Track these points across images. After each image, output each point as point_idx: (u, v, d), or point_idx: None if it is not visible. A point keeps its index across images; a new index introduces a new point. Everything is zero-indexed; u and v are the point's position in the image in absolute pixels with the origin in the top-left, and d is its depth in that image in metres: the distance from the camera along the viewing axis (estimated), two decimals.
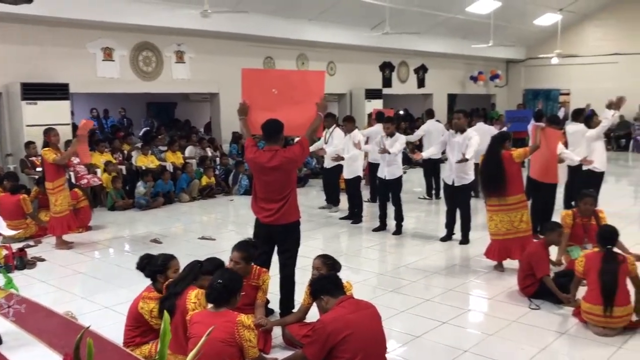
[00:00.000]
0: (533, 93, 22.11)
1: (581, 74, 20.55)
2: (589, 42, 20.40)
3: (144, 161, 11.22)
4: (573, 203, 6.67)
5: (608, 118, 8.09)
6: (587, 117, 8.88)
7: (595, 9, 19.65)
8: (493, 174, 6.23)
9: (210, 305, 3.62)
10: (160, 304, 3.94)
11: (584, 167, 8.21)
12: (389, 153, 7.90)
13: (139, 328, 4.10)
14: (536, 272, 5.35)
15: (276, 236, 4.87)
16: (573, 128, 8.86)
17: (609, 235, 4.91)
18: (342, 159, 8.99)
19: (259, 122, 4.93)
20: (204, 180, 11.39)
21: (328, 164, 9.71)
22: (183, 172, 11.24)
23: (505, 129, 11.24)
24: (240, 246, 4.52)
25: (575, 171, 8.67)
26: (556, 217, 6.61)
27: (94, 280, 6.40)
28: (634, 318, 4.73)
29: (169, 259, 4.24)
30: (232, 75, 13.33)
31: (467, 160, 7.16)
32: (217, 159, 12.56)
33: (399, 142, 8.03)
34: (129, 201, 10.30)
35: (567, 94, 21.28)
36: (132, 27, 11.28)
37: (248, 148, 4.89)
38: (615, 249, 4.90)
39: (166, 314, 2.10)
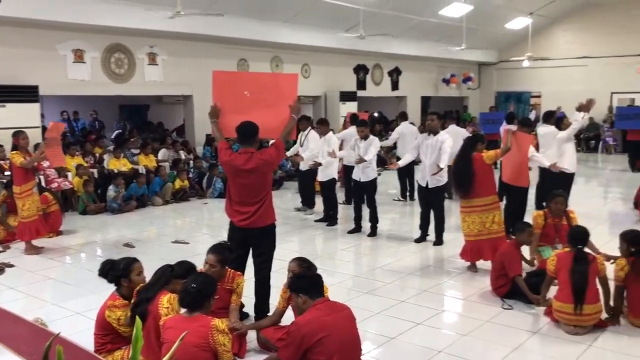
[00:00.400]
0: (505, 95, 22.44)
1: (552, 76, 20.93)
2: (559, 45, 20.78)
3: (116, 164, 11.07)
4: (544, 204, 6.77)
5: (578, 120, 8.23)
6: (558, 119, 9.03)
7: (564, 13, 20.03)
8: (461, 175, 6.30)
9: (183, 310, 3.58)
10: (131, 310, 3.89)
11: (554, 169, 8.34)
12: (365, 161, 7.93)
13: (108, 335, 4.04)
14: (508, 272, 5.42)
15: (252, 239, 4.84)
16: (544, 130, 9.00)
17: (580, 236, 5.00)
18: (320, 164, 8.98)
19: (231, 125, 4.89)
20: (178, 183, 11.28)
21: (303, 166, 9.70)
22: (156, 175, 11.12)
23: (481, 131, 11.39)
24: (216, 249, 4.49)
25: (546, 172, 8.79)
26: (528, 218, 6.70)
27: (65, 285, 6.28)
28: (604, 316, 4.82)
29: (131, 262, 4.19)
30: (205, 78, 13.17)
31: (441, 169, 7.24)
32: (191, 162, 12.45)
33: (373, 146, 8.06)
34: (101, 205, 10.15)
35: (538, 97, 21.65)
36: (103, 28, 11.12)
37: (222, 151, 4.83)
38: (586, 249, 4.99)
39: (138, 320, 2.06)
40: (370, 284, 6.15)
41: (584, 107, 8.18)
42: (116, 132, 15.45)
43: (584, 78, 20.18)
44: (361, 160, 7.92)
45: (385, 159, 14.71)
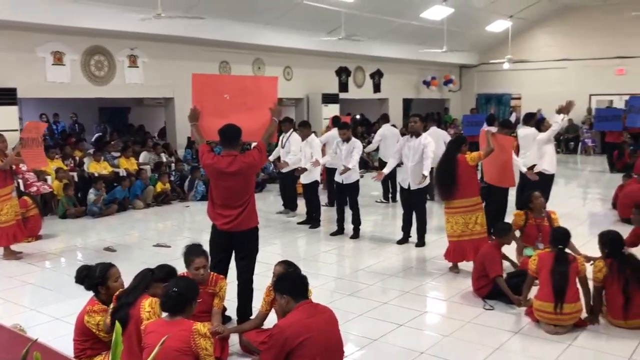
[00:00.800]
0: (485, 97, 22.64)
1: (531, 78, 21.17)
2: (538, 48, 21.03)
3: (96, 168, 10.95)
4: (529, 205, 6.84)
5: (558, 122, 8.33)
6: (538, 120, 9.13)
7: (543, 16, 20.26)
8: (445, 176, 6.35)
9: (165, 314, 3.55)
10: (112, 315, 3.84)
11: (535, 169, 8.44)
12: (350, 169, 7.97)
13: (88, 341, 3.99)
14: (489, 272, 5.47)
15: (235, 243, 4.82)
16: (524, 132, 9.10)
17: (561, 236, 5.07)
18: (305, 170, 8.96)
19: (211, 128, 4.88)
20: (159, 186, 11.19)
21: (286, 169, 9.69)
22: (137, 178, 11.02)
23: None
24: (202, 251, 4.47)
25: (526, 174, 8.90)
26: (509, 219, 6.75)
27: (44, 291, 6.20)
28: (583, 315, 4.88)
29: (107, 268, 4.13)
30: (187, 80, 13.05)
31: (426, 177, 7.31)
32: (172, 165, 12.37)
33: (356, 151, 8.08)
34: (81, 209, 10.03)
35: (518, 98, 21.86)
36: (83, 30, 11.01)
37: (204, 154, 4.79)
38: (567, 250, 5.06)
39: (118, 325, 2.04)
40: (353, 285, 6.16)
41: (563, 109, 8.28)
42: (96, 135, 15.32)
43: (563, 80, 20.44)
44: (346, 169, 7.97)
45: (367, 161, 14.77)
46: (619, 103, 19.34)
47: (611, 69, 19.54)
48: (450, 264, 6.59)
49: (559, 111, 8.36)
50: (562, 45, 20.56)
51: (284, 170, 9.62)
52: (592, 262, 5.26)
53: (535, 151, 8.50)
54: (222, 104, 5.05)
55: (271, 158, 9.96)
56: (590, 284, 4.94)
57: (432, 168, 7.42)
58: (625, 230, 5.94)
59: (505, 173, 7.04)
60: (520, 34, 20.62)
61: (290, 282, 3.75)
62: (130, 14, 10.86)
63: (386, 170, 8.05)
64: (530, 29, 20.86)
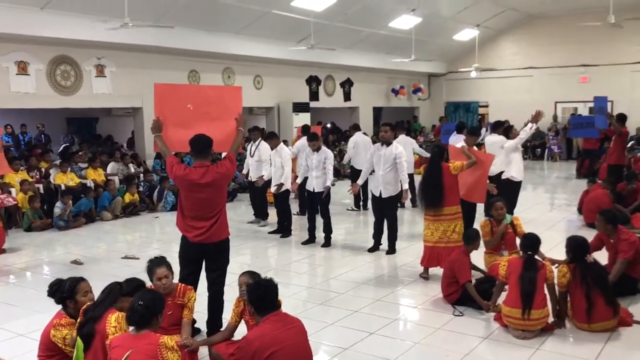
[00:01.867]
0: (454, 105, 22.95)
1: (498, 86, 21.54)
2: (505, 56, 21.41)
3: (63, 179, 10.75)
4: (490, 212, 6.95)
5: (526, 131, 8.50)
6: (506, 128, 9.30)
7: (509, 25, 20.65)
8: (434, 185, 6.41)
9: (131, 328, 3.49)
10: (78, 330, 3.76)
11: (503, 177, 8.58)
12: (330, 187, 8.17)
13: (54, 357, 3.89)
14: (459, 278, 5.52)
15: (207, 254, 4.77)
16: (492, 139, 9.24)
17: (531, 243, 5.15)
18: (282, 185, 8.93)
19: (176, 139, 4.83)
20: (127, 197, 11.03)
21: (255, 177, 9.67)
22: (105, 189, 10.85)
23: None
24: (161, 261, 4.41)
25: (493, 181, 9.02)
26: (477, 226, 6.83)
27: (8, 306, 6.03)
28: (550, 320, 4.96)
29: (76, 282, 4.06)
30: None
31: (406, 190, 7.53)
32: (141, 175, 12.21)
33: (329, 162, 8.19)
34: (47, 221, 9.82)
35: (486, 106, 22.23)
36: (48, 40, 10.83)
37: (174, 165, 4.68)
38: (536, 256, 5.14)
39: (79, 341, 2.00)
40: (325, 294, 6.15)
41: (533, 118, 8.45)
42: (63, 145, 15.04)
43: (529, 88, 20.88)
44: (327, 191, 8.13)
45: (339, 169, 14.81)
46: (583, 110, 19.84)
47: (575, 76, 20.00)
48: (421, 270, 6.63)
49: (529, 121, 8.53)
50: (528, 53, 20.98)
51: (252, 177, 9.64)
52: (556, 265, 5.34)
53: (502, 158, 8.64)
54: (186, 114, 4.97)
55: (244, 170, 9.97)
56: (556, 289, 5.02)
57: (410, 174, 7.55)
58: (590, 235, 6.06)
59: (477, 189, 7.10)
60: (487, 43, 20.98)
61: (260, 292, 3.71)
62: (97, 23, 10.73)
63: (360, 181, 8.10)
64: (497, 37, 21.25)
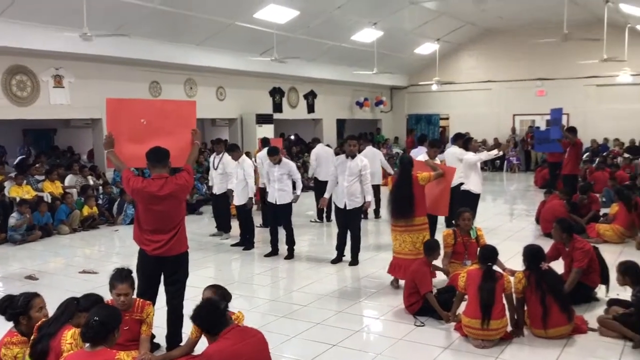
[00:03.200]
0: (416, 118, 23.27)
1: (459, 99, 21.95)
2: (464, 70, 21.85)
3: (18, 192, 10.45)
4: (454, 222, 7.06)
5: (489, 154, 8.73)
6: (465, 140, 9.48)
7: (468, 39, 21.10)
8: (406, 196, 6.46)
9: (87, 345, 3.40)
10: (31, 347, 3.65)
11: (462, 188, 8.73)
12: (299, 196, 8.45)
13: None
14: (420, 289, 5.57)
15: (166, 268, 4.70)
16: (451, 150, 9.41)
17: (489, 254, 5.24)
18: (251, 200, 8.90)
19: (129, 154, 4.78)
20: (86, 210, 10.79)
21: (217, 190, 9.59)
22: (62, 202, 10.59)
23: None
24: (126, 277, 4.31)
25: (453, 192, 9.17)
26: (439, 236, 6.91)
27: None
28: (509, 329, 5.05)
29: (30, 298, 3.94)
30: None
31: (370, 201, 7.68)
32: (100, 188, 11.97)
33: (295, 175, 8.27)
34: (1, 235, 9.52)
35: (447, 119, 22.61)
36: (3, 49, 10.53)
37: (131, 179, 4.60)
38: (495, 267, 5.23)
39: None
40: (287, 307, 6.12)
41: (501, 148, 8.72)
42: (19, 157, 14.65)
43: (488, 101, 21.35)
44: (296, 198, 8.39)
45: (303, 180, 14.80)
46: (541, 122, 20.36)
47: (532, 90, 20.56)
48: (385, 281, 6.67)
49: (499, 148, 8.82)
50: (487, 67, 21.47)
51: (214, 189, 9.64)
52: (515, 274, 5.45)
53: (461, 170, 8.81)
54: (140, 129, 4.92)
55: (210, 183, 9.92)
56: (514, 296, 5.12)
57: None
58: (547, 244, 6.21)
59: (441, 202, 7.18)
60: (447, 57, 21.39)
61: (203, 316, 3.67)
62: (55, 33, 10.52)
63: (327, 195, 8.09)
64: (457, 52, 21.68)
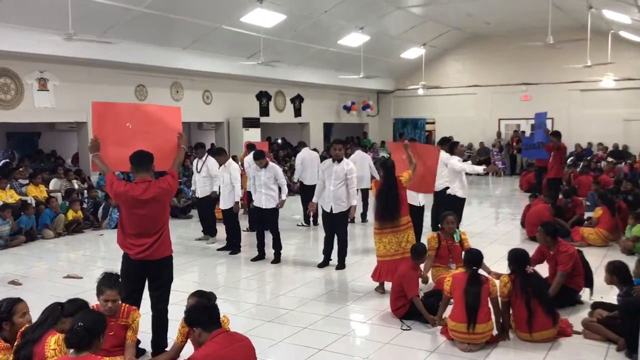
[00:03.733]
0: (402, 122, 23.37)
1: (445, 104, 22.08)
2: (450, 74, 21.99)
3: (2, 196, 10.31)
4: (439, 225, 7.10)
5: (474, 168, 8.83)
6: (451, 144, 9.55)
7: (454, 44, 21.25)
8: (392, 197, 6.49)
9: (71, 351, 3.37)
10: (15, 353, 3.61)
11: (448, 192, 8.80)
12: (284, 200, 8.30)
13: None
14: (407, 293, 5.59)
15: (149, 272, 4.67)
16: None
17: (474, 258, 5.26)
18: (238, 205, 8.88)
19: (114, 158, 4.77)
20: (70, 214, 10.69)
21: (200, 193, 9.56)
22: (47, 206, 10.48)
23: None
24: (115, 282, 4.28)
25: (439, 196, 9.25)
26: (424, 239, 6.94)
27: None
28: (495, 333, 5.08)
29: (13, 303, 3.91)
30: None
31: (354, 206, 7.66)
32: (85, 192, 11.87)
33: (281, 180, 8.25)
34: None
35: (433, 123, 22.72)
36: None
37: (115, 183, 4.59)
38: (480, 270, 5.27)
39: None
40: (274, 311, 6.11)
41: (488, 169, 8.86)
42: (3, 161, 14.48)
43: (474, 105, 21.51)
44: (282, 203, 8.29)
45: (289, 183, 14.80)
46: (526, 127, 20.58)
47: (517, 94, 20.74)
48: (372, 285, 6.67)
49: (486, 168, 9.19)
50: (472, 72, 21.63)
51: (198, 193, 9.62)
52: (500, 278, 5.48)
53: (446, 174, 8.90)
54: (125, 133, 4.93)
55: (193, 187, 9.89)
56: (499, 300, 5.15)
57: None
58: (532, 248, 6.26)
59: (425, 180, 7.30)
60: (434, 62, 21.53)
61: (199, 313, 3.67)
62: (40, 36, 10.43)
63: (315, 199, 8.07)
64: (442, 56, 21.83)
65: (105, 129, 4.93)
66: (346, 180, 7.57)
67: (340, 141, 8.05)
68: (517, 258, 5.25)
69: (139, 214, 4.56)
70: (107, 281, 4.28)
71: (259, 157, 8.27)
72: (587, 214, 10.15)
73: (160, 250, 4.63)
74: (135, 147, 4.73)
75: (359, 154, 11.20)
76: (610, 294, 5.79)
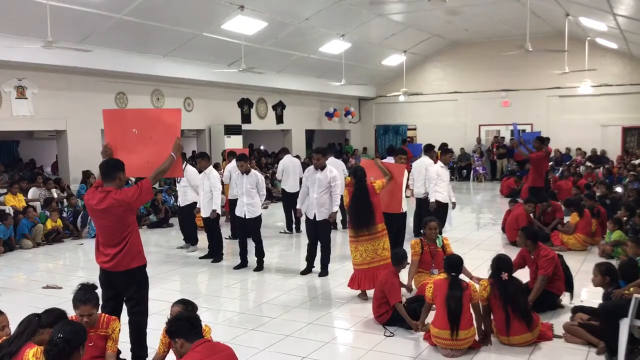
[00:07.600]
0: (384, 128, 23.47)
1: (425, 110, 22.22)
2: (431, 81, 22.16)
3: None
4: (422, 231, 7.14)
5: (444, 197, 8.87)
6: (444, 150, 9.71)
7: (435, 51, 21.43)
8: (365, 205, 6.53)
9: None
10: None
11: (430, 199, 8.84)
12: (265, 208, 8.12)
13: None
14: (389, 299, 5.60)
15: (116, 283, 4.60)
16: (419, 161, 9.53)
17: (453, 264, 5.27)
18: (218, 215, 8.84)
19: (126, 165, 4.73)
20: (49, 223, 10.55)
21: (182, 201, 9.50)
22: (25, 216, 10.33)
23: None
24: (88, 298, 4.15)
25: (422, 202, 9.30)
26: (407, 245, 6.97)
27: None
28: (477, 338, 5.10)
29: None
30: (80, 111, 12.72)
31: (336, 212, 7.75)
32: (64, 200, 11.72)
33: (262, 187, 8.21)
34: None
35: (414, 129, 22.86)
36: None
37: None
38: (461, 275, 5.29)
39: None
40: (257, 319, 6.07)
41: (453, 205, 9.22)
42: None
43: (455, 111, 21.70)
44: (266, 206, 8.11)
45: (271, 190, 14.78)
46: (505, 132, 20.81)
47: (497, 101, 20.97)
48: (359, 292, 6.68)
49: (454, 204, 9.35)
50: (453, 78, 21.81)
51: (179, 201, 9.58)
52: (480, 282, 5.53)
53: (428, 181, 8.97)
54: (131, 138, 4.98)
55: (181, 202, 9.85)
56: (480, 305, 5.18)
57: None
58: (513, 253, 6.31)
59: (393, 200, 7.45)
60: (414, 68, 21.68)
61: (180, 324, 3.63)
62: (17, 43, 10.29)
63: (299, 206, 8.07)
64: (423, 63, 21.99)
65: (116, 135, 5.00)
66: (330, 187, 7.58)
67: (319, 150, 8.04)
68: (496, 264, 5.28)
69: (100, 224, 4.57)
70: (81, 296, 4.15)
71: (242, 158, 8.29)
72: (566, 218, 10.25)
73: (125, 262, 4.51)
74: (141, 152, 4.81)
75: (332, 160, 11.10)
76: (589, 298, 5.86)
